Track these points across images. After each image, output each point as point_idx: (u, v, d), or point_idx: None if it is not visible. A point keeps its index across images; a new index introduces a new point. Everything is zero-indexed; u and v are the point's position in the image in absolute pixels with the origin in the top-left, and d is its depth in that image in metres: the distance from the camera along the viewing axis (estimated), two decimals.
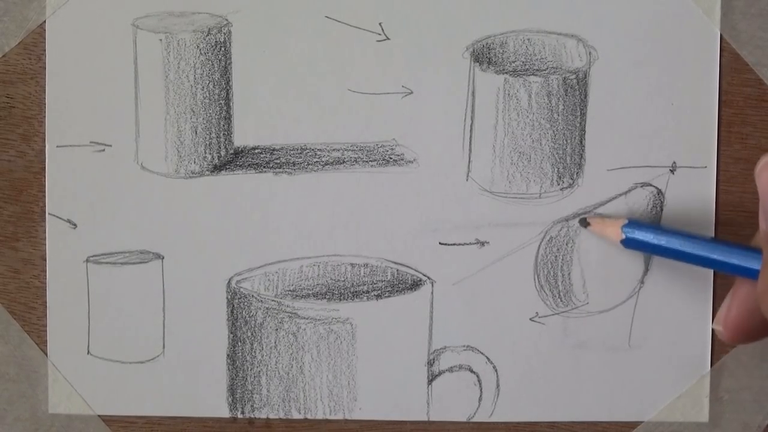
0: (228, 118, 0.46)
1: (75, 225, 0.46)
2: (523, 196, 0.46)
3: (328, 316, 0.45)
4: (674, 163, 0.46)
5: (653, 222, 0.46)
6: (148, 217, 0.46)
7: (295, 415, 0.46)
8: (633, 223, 0.44)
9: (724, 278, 0.46)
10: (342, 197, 0.46)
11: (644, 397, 0.46)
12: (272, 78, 0.46)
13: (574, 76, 0.46)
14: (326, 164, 0.46)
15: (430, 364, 0.46)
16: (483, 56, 0.46)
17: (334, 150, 0.46)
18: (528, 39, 0.46)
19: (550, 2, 0.46)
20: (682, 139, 0.46)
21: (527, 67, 0.46)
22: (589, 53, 0.46)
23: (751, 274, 0.40)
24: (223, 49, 0.46)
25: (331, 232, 0.46)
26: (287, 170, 0.46)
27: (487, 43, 0.46)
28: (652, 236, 0.43)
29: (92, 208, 0.46)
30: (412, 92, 0.46)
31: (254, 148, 0.46)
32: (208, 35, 0.46)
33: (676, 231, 0.43)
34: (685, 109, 0.46)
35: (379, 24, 0.46)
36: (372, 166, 0.46)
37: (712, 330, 0.46)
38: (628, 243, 0.44)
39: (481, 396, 0.46)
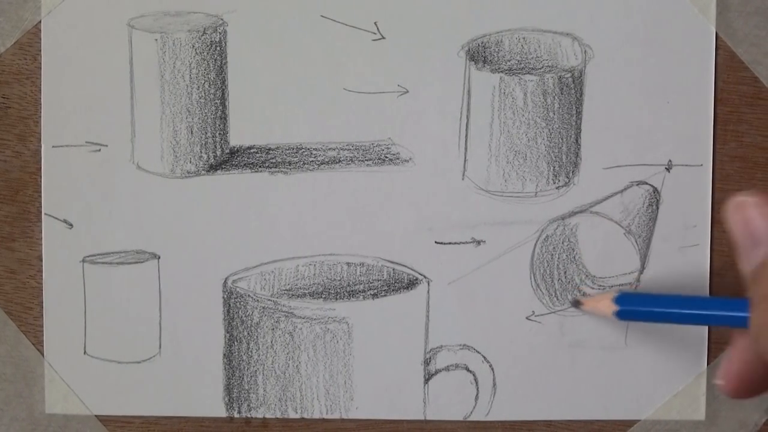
0: (223, 118, 0.46)
1: (71, 225, 0.46)
2: (519, 194, 0.46)
3: (324, 316, 0.45)
4: (670, 161, 0.46)
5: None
6: (144, 217, 0.46)
7: (292, 415, 0.46)
8: (624, 295, 0.44)
9: (721, 276, 0.46)
10: (338, 196, 0.46)
11: (641, 396, 0.46)
12: (268, 77, 0.46)
13: (569, 75, 0.46)
14: (322, 163, 0.46)
15: (427, 363, 0.46)
16: (478, 55, 0.46)
17: (329, 149, 0.46)
18: (523, 38, 0.46)
19: (545, 1, 0.45)
20: (678, 137, 0.46)
21: (522, 65, 0.46)
22: (585, 52, 0.46)
23: (741, 323, 0.39)
24: (218, 48, 0.46)
25: (327, 232, 0.46)
26: (283, 170, 0.46)
27: (482, 42, 0.46)
28: (643, 305, 0.43)
29: (88, 208, 0.46)
30: (407, 91, 0.46)
31: (250, 148, 0.46)
32: (203, 35, 0.46)
33: (665, 295, 0.43)
34: (680, 108, 0.46)
35: (375, 23, 0.46)
36: (368, 165, 0.46)
37: (708, 328, 0.46)
38: (622, 315, 0.43)
39: (477, 395, 0.46)
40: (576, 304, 0.46)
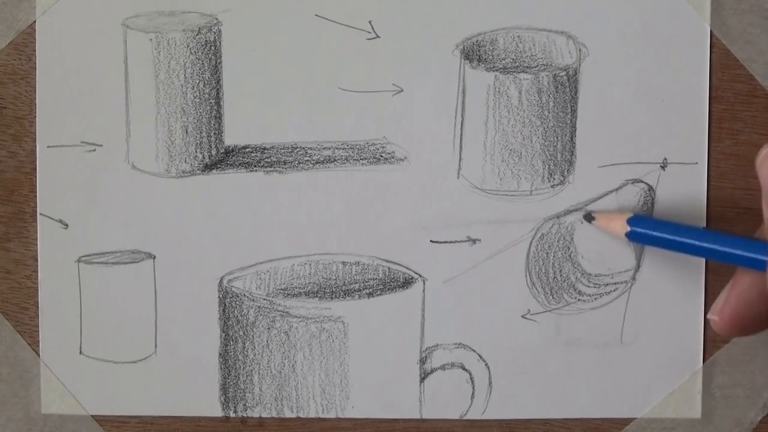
0: (218, 117, 0.46)
1: (66, 225, 0.46)
2: (514, 193, 0.46)
3: (319, 315, 0.45)
4: (665, 159, 0.46)
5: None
6: (140, 216, 0.46)
7: (288, 414, 0.46)
8: (637, 216, 0.44)
9: (716, 274, 0.46)
10: (333, 196, 0.46)
11: (637, 394, 0.46)
12: (262, 77, 0.46)
13: (564, 73, 0.46)
14: (317, 163, 0.46)
15: (422, 361, 0.46)
16: (473, 54, 0.46)
17: (324, 148, 0.46)
18: (518, 36, 0.46)
19: None
20: (673, 135, 0.46)
21: (517, 64, 0.46)
22: (579, 50, 0.46)
23: (755, 265, 0.40)
24: (213, 48, 0.46)
25: (322, 231, 0.46)
26: (278, 169, 0.46)
27: (477, 41, 0.46)
28: (656, 229, 0.43)
29: (83, 208, 0.46)
30: (402, 90, 0.46)
31: (245, 147, 0.46)
32: (198, 34, 0.46)
33: (679, 224, 0.43)
34: (675, 106, 0.46)
35: (369, 22, 0.46)
36: (363, 164, 0.46)
37: (704, 325, 0.46)
38: (633, 236, 0.44)
39: (473, 393, 0.46)
40: (588, 218, 0.45)
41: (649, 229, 0.43)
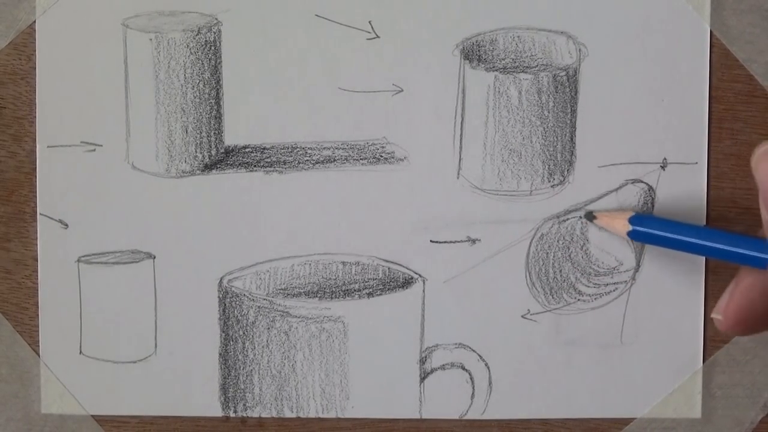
0: (218, 117, 0.46)
1: (66, 225, 0.46)
2: (514, 193, 0.46)
3: (319, 315, 0.45)
4: (665, 159, 0.46)
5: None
6: (139, 216, 0.46)
7: (288, 414, 0.46)
8: (639, 215, 0.44)
9: (716, 274, 0.46)
10: (333, 196, 0.46)
11: (637, 394, 0.46)
12: (262, 77, 0.46)
13: (564, 73, 0.46)
14: (317, 163, 0.46)
15: (422, 362, 0.46)
16: (473, 54, 0.46)
17: (324, 148, 0.46)
18: (518, 36, 0.46)
19: None
20: (673, 135, 0.46)
21: (517, 64, 0.46)
22: (579, 50, 0.46)
23: (757, 263, 0.40)
24: (213, 48, 0.46)
25: (322, 231, 0.46)
26: (278, 169, 0.46)
27: (477, 41, 0.46)
28: (658, 228, 0.43)
29: (83, 208, 0.46)
30: (402, 90, 0.46)
31: (245, 147, 0.46)
32: (198, 34, 0.46)
33: (681, 222, 0.43)
34: (675, 106, 0.46)
35: (369, 22, 0.46)
36: (362, 164, 0.46)
37: (704, 325, 0.46)
38: (635, 235, 0.44)
39: (473, 393, 0.46)
40: (590, 217, 0.45)
41: (652, 227, 0.43)
